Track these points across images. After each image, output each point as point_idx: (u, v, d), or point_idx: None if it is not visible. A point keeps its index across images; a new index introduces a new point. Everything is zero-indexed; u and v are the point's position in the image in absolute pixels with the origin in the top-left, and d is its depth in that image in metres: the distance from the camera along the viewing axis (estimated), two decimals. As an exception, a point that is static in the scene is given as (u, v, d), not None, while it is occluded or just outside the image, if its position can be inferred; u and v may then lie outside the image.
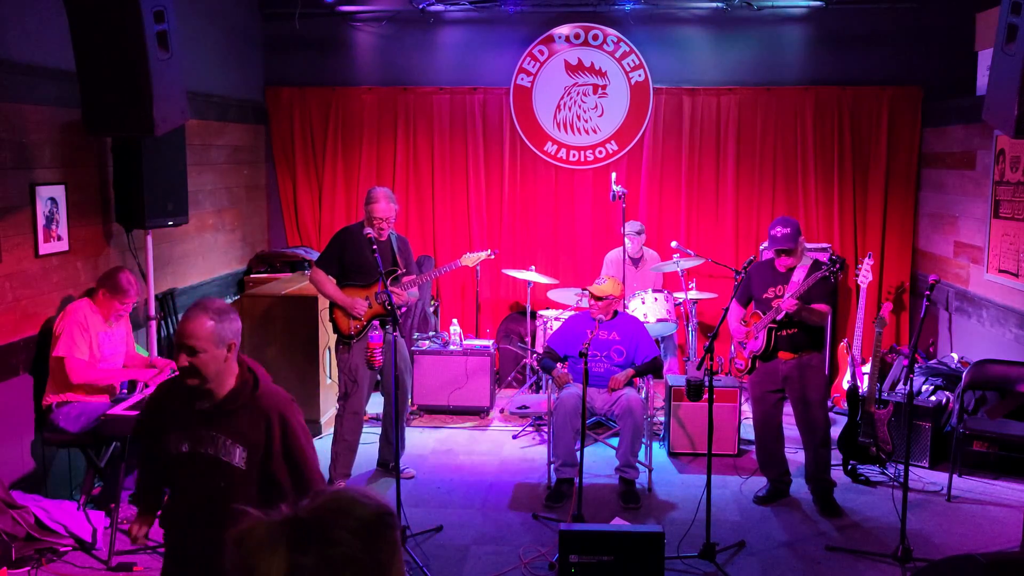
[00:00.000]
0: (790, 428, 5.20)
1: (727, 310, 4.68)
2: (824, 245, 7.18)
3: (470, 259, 5.49)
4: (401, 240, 5.38)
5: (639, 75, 7.56)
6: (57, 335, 4.51)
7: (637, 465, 5.18)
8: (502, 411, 6.77)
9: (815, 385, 4.98)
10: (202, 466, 2.61)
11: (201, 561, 2.60)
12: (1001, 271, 5.99)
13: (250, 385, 2.67)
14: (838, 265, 4.72)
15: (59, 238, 4.88)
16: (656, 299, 6.40)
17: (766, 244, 7.16)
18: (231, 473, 2.61)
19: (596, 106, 7.64)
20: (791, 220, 4.98)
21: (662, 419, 6.10)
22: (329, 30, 7.72)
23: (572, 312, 6.29)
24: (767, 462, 5.17)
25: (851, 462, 5.47)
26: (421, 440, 6.16)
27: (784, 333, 4.94)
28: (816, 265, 4.92)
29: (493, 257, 5.70)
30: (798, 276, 4.90)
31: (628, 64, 7.56)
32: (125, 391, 4.80)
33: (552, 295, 7.06)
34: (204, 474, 2.61)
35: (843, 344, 6.97)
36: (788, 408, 5.17)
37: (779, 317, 4.86)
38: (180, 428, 2.63)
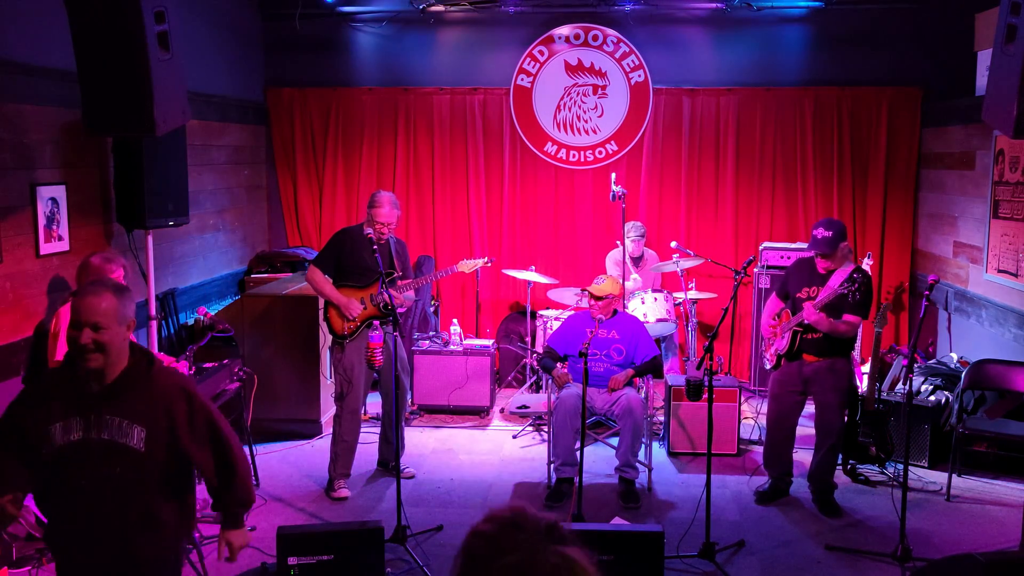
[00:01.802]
0: (802, 429, 5.19)
1: (726, 310, 4.67)
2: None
3: (467, 265, 5.51)
4: (399, 244, 5.39)
5: (639, 75, 7.57)
6: (55, 336, 4.45)
7: (637, 465, 5.19)
8: (502, 411, 6.78)
9: (835, 389, 4.94)
10: (97, 453, 2.49)
11: (102, 548, 2.55)
12: (1000, 271, 5.99)
13: (143, 364, 2.59)
14: (856, 284, 4.65)
15: (60, 238, 4.89)
16: (656, 299, 6.41)
17: (769, 244, 7.20)
18: (129, 456, 2.51)
19: (596, 106, 7.65)
20: (835, 223, 4.88)
21: (662, 419, 6.10)
22: (329, 31, 7.73)
23: (572, 312, 6.30)
24: (772, 461, 5.17)
25: (851, 461, 5.48)
26: (421, 440, 6.17)
27: (809, 336, 4.91)
28: (857, 271, 4.79)
29: (489, 265, 5.72)
30: (835, 281, 4.81)
31: (628, 64, 7.57)
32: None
33: (552, 295, 7.07)
34: (100, 461, 2.49)
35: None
36: (807, 410, 5.17)
37: (801, 322, 4.84)
38: (69, 415, 2.49)
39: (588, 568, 1.34)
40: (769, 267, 6.97)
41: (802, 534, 4.73)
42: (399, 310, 5.02)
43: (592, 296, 5.31)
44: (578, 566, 1.34)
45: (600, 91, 7.63)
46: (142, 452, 2.51)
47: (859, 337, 6.45)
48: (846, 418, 5.45)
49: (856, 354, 6.38)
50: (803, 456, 5.57)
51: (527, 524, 1.37)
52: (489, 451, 5.99)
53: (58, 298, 4.86)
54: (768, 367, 5.15)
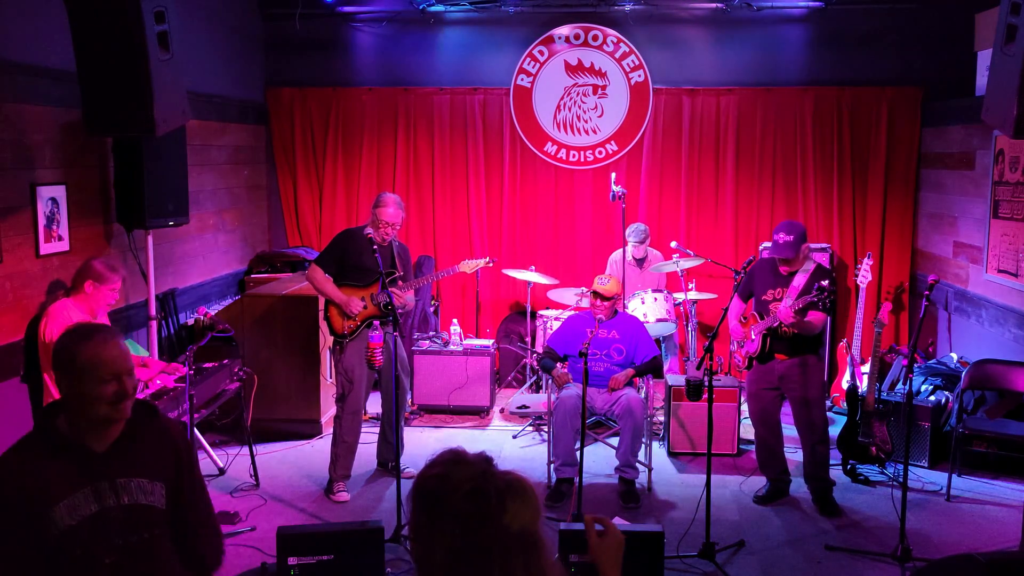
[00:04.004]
0: (788, 427, 5.21)
1: (727, 309, 4.69)
2: (824, 245, 7.20)
3: (468, 266, 5.51)
4: (401, 247, 5.40)
5: (639, 75, 7.57)
6: (48, 343, 4.42)
7: (637, 465, 5.19)
8: (502, 411, 6.78)
9: (812, 384, 4.99)
10: (118, 521, 2.15)
11: None
12: (1000, 271, 5.99)
13: (144, 414, 2.29)
14: (826, 294, 4.69)
15: (60, 238, 4.89)
16: (656, 299, 6.41)
17: (769, 244, 7.20)
18: (155, 516, 2.22)
19: (596, 106, 7.65)
20: (796, 226, 4.94)
21: (662, 419, 6.10)
22: (329, 30, 7.73)
23: (572, 312, 6.30)
24: (767, 460, 5.18)
25: (850, 461, 5.48)
26: (421, 440, 6.17)
27: (780, 338, 4.95)
28: (817, 272, 4.88)
29: (491, 265, 5.72)
30: (799, 280, 4.89)
31: (628, 64, 7.56)
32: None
33: (552, 295, 7.07)
34: (123, 530, 2.16)
35: (843, 344, 6.97)
36: (787, 408, 5.19)
37: (774, 325, 4.87)
38: (75, 490, 2.11)
39: (528, 484, 1.56)
40: (769, 267, 6.96)
41: (802, 534, 4.73)
42: (399, 311, 5.02)
43: (599, 297, 5.30)
44: (523, 481, 1.55)
45: (600, 91, 7.63)
46: (164, 511, 2.24)
47: (858, 337, 6.45)
48: (846, 417, 5.48)
49: (856, 354, 6.39)
50: (798, 456, 5.57)
51: (469, 458, 1.58)
52: (489, 451, 5.93)
53: (51, 298, 4.85)
54: (739, 366, 5.20)
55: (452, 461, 1.56)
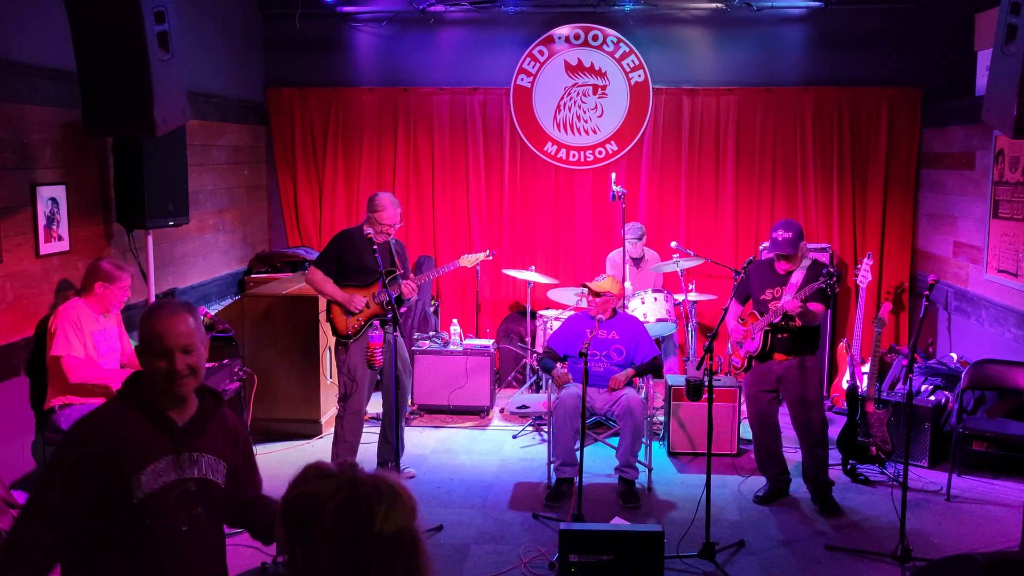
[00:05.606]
0: (787, 428, 5.21)
1: (727, 309, 4.70)
2: (823, 245, 7.19)
3: (468, 260, 5.52)
4: (399, 244, 5.41)
5: (639, 75, 7.57)
6: (52, 334, 4.48)
7: (637, 465, 5.19)
8: (502, 411, 6.78)
9: (811, 385, 4.99)
10: (192, 492, 2.28)
11: None
12: (1000, 271, 5.99)
13: (211, 397, 2.41)
14: (835, 279, 4.73)
15: (60, 238, 4.89)
16: (656, 299, 6.41)
17: (767, 244, 7.21)
18: (215, 494, 2.34)
19: (596, 106, 7.65)
20: (794, 224, 4.96)
21: (662, 419, 6.10)
22: (329, 30, 7.73)
23: (572, 312, 6.30)
24: (765, 461, 5.18)
25: (850, 461, 5.48)
26: (421, 440, 6.17)
27: (780, 336, 4.96)
28: (815, 265, 4.93)
29: (491, 258, 5.72)
30: (796, 278, 4.92)
31: (628, 64, 7.56)
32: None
33: (552, 295, 7.07)
34: (195, 501, 2.29)
35: (842, 344, 6.98)
36: (784, 408, 5.19)
37: (777, 320, 4.87)
38: (158, 457, 2.21)
39: (398, 485, 1.49)
40: (769, 267, 6.95)
41: (802, 534, 4.73)
42: (406, 300, 5.04)
43: (591, 292, 5.32)
44: (393, 483, 1.48)
45: (600, 91, 7.63)
46: (223, 489, 2.36)
47: (858, 337, 6.45)
48: (846, 417, 5.48)
49: (856, 353, 6.38)
50: (797, 456, 5.57)
51: (333, 471, 1.49)
52: (489, 451, 5.98)
53: (62, 298, 4.87)
54: (738, 367, 5.20)
55: (315, 477, 1.49)
